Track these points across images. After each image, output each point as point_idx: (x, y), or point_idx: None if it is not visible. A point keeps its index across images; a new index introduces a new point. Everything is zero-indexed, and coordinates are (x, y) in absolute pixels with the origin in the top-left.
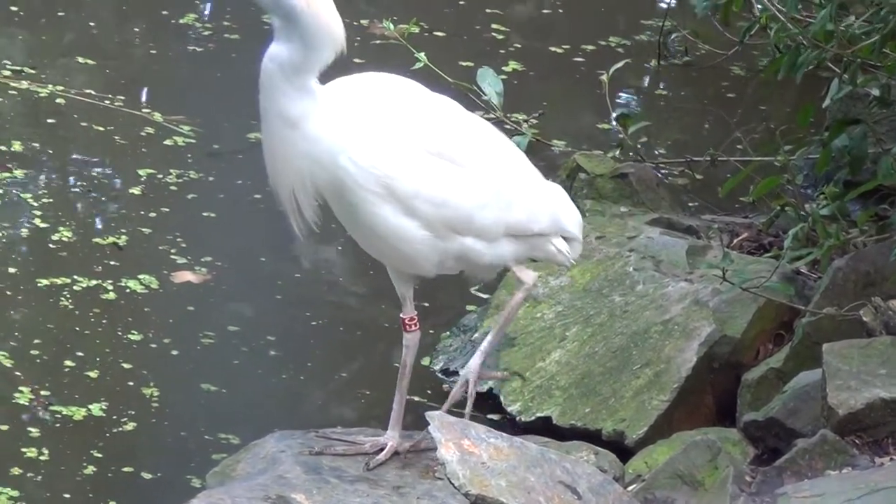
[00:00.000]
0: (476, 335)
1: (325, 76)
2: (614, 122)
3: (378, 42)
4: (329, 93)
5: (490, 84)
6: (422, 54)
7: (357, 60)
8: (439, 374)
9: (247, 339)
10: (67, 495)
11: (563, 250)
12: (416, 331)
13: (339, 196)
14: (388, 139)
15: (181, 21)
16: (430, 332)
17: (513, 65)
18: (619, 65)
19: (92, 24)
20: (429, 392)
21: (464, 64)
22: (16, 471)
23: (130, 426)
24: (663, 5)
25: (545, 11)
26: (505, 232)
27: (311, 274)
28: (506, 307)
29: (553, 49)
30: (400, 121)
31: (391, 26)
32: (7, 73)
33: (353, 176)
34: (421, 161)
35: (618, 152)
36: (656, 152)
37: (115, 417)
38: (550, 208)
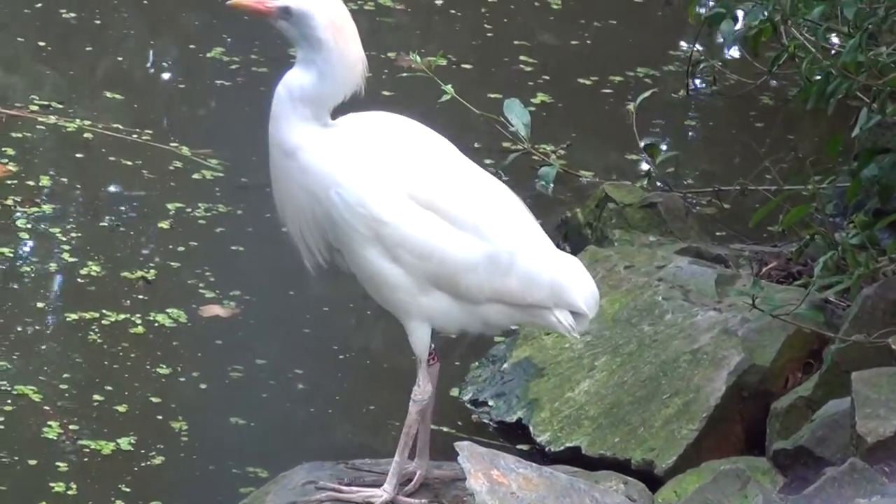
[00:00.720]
0: (505, 365)
1: (347, 110)
2: (643, 152)
3: (405, 75)
4: (332, 128)
5: (517, 115)
6: (449, 86)
7: (385, 93)
8: (468, 405)
9: (275, 373)
10: None
11: (565, 323)
12: (435, 364)
13: (333, 230)
14: (381, 181)
15: (208, 55)
16: (457, 363)
17: (541, 97)
18: (646, 94)
19: (120, 58)
20: (459, 423)
21: (492, 96)
22: None
23: (159, 460)
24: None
25: (573, 43)
26: (493, 298)
27: (339, 308)
28: (406, 426)
29: (581, 81)
30: (397, 165)
31: (418, 59)
32: (35, 107)
33: (342, 212)
34: (410, 209)
35: (646, 182)
36: (685, 182)
37: (143, 451)
38: (554, 280)
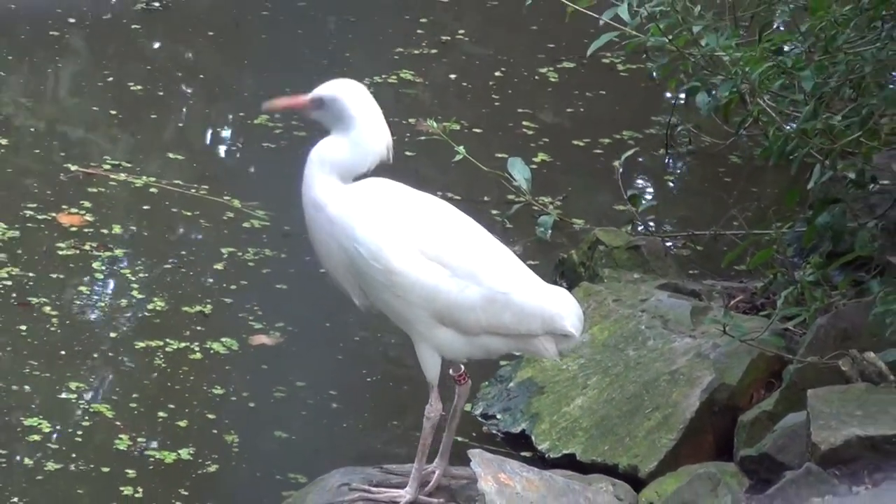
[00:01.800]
0: (510, 384)
1: (376, 169)
2: (627, 202)
3: (424, 138)
4: (351, 189)
5: (519, 171)
6: (461, 147)
7: (408, 153)
8: (479, 418)
9: (312, 393)
10: None
11: (549, 350)
12: (466, 383)
13: (357, 275)
14: (393, 238)
15: (255, 122)
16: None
17: (541, 156)
18: (629, 153)
19: (180, 124)
20: (473, 434)
21: (499, 155)
22: None
23: (213, 468)
24: (671, 102)
25: (569, 110)
26: (490, 331)
27: (368, 337)
28: (422, 438)
29: (576, 142)
30: (406, 223)
31: (434, 124)
32: (107, 166)
33: (360, 263)
34: (418, 261)
35: (629, 227)
36: (664, 227)
37: (200, 461)
38: (543, 311)
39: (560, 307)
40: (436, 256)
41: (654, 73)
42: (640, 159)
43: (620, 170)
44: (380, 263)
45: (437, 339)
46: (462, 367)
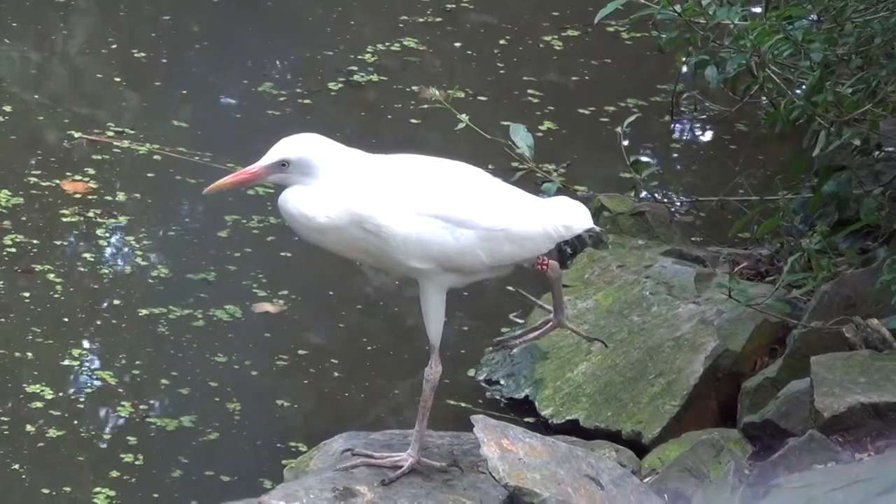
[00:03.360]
0: (514, 350)
1: (385, 139)
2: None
3: (427, 106)
4: (351, 165)
5: (522, 138)
6: (464, 115)
7: (413, 121)
8: (483, 384)
9: (314, 362)
10: (156, 495)
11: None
12: (552, 265)
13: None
14: (387, 202)
15: (259, 89)
16: (461, 351)
17: (547, 124)
18: (632, 118)
19: (184, 91)
20: (480, 401)
21: (504, 123)
22: (114, 473)
23: (214, 436)
24: (677, 70)
25: (574, 78)
26: (494, 266)
27: (370, 306)
28: (422, 401)
29: (581, 111)
30: (397, 187)
31: (437, 92)
32: (111, 133)
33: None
34: (409, 218)
35: (633, 193)
36: (670, 194)
37: (201, 428)
38: (548, 232)
39: (564, 218)
40: (428, 210)
41: (662, 47)
42: (646, 126)
43: (624, 136)
44: (372, 226)
45: (447, 282)
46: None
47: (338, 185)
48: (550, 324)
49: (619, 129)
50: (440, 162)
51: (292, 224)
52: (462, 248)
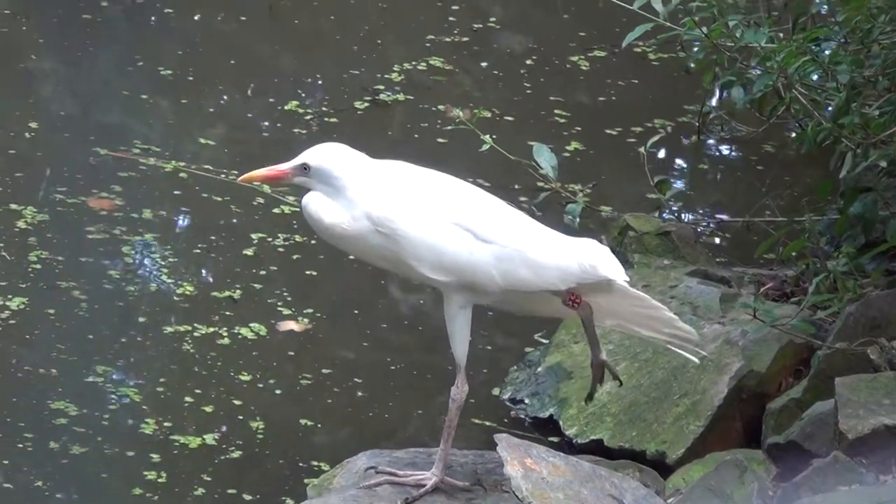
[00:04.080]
0: (539, 369)
1: (406, 156)
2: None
3: (451, 128)
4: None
5: (545, 159)
6: (487, 136)
7: (439, 140)
8: (507, 403)
9: (338, 381)
10: None
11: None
12: (583, 303)
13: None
14: (403, 205)
15: (286, 107)
16: (486, 369)
17: (574, 144)
18: (655, 138)
19: (211, 110)
20: (504, 420)
21: (531, 143)
22: (137, 491)
23: (237, 454)
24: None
25: (601, 99)
26: (508, 289)
27: (395, 325)
28: (447, 420)
29: (608, 131)
30: (417, 194)
31: (461, 113)
32: (137, 150)
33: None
34: (426, 223)
35: (657, 213)
36: (696, 214)
37: (224, 446)
38: (569, 261)
39: (589, 258)
40: (444, 218)
41: (689, 68)
42: (673, 147)
43: (649, 156)
44: (387, 229)
45: (467, 298)
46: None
47: (357, 193)
48: (593, 366)
49: (642, 149)
50: (463, 182)
51: (313, 227)
52: (475, 262)
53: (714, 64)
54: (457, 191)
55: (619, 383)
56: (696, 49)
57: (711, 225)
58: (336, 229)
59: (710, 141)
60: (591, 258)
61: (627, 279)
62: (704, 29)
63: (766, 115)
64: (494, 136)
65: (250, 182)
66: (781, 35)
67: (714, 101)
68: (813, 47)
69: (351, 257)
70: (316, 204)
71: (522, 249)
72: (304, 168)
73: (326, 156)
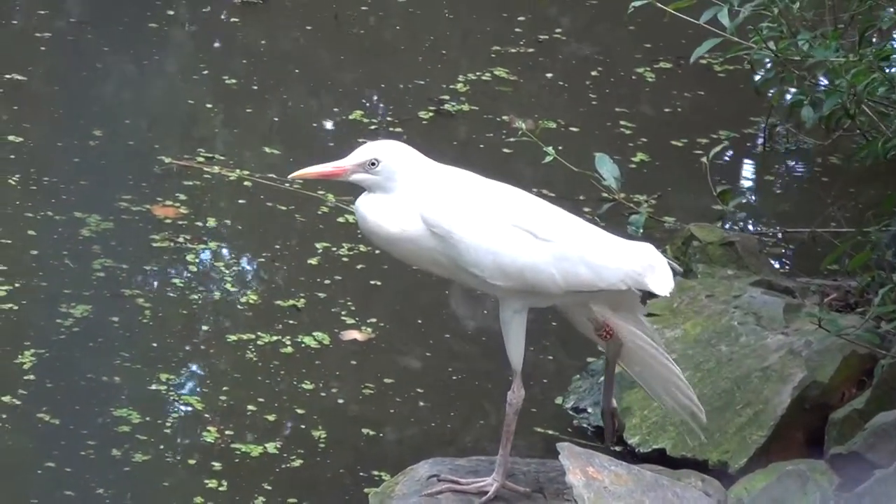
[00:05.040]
0: (602, 378)
1: (471, 166)
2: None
3: (514, 139)
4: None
5: (608, 170)
6: (550, 148)
7: (505, 150)
8: (570, 412)
9: (401, 391)
10: None
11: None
12: (613, 338)
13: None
14: (457, 208)
15: (350, 117)
16: (549, 378)
17: (640, 156)
18: (718, 148)
19: (276, 119)
20: (567, 429)
21: (597, 154)
22: (198, 500)
23: (298, 463)
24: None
25: (666, 110)
26: (569, 290)
27: (458, 335)
28: (505, 425)
29: (674, 142)
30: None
31: (523, 125)
32: (201, 159)
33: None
34: (483, 223)
35: (719, 223)
36: (760, 225)
37: (285, 455)
38: (623, 264)
39: (647, 260)
40: (504, 220)
41: (758, 88)
42: (739, 158)
43: (711, 167)
44: (444, 227)
45: (524, 303)
46: (603, 323)
47: (414, 195)
48: (603, 413)
49: (704, 159)
50: (522, 191)
51: (365, 231)
52: (536, 264)
53: (782, 81)
54: (514, 196)
55: (610, 444)
56: (766, 67)
57: (776, 236)
58: (390, 231)
59: (776, 152)
60: (647, 263)
61: (671, 291)
62: (772, 44)
63: (833, 128)
64: (560, 147)
65: (304, 178)
66: (849, 52)
67: (780, 113)
68: (881, 64)
69: (414, 267)
70: (370, 207)
71: (581, 248)
72: (373, 164)
73: (396, 153)
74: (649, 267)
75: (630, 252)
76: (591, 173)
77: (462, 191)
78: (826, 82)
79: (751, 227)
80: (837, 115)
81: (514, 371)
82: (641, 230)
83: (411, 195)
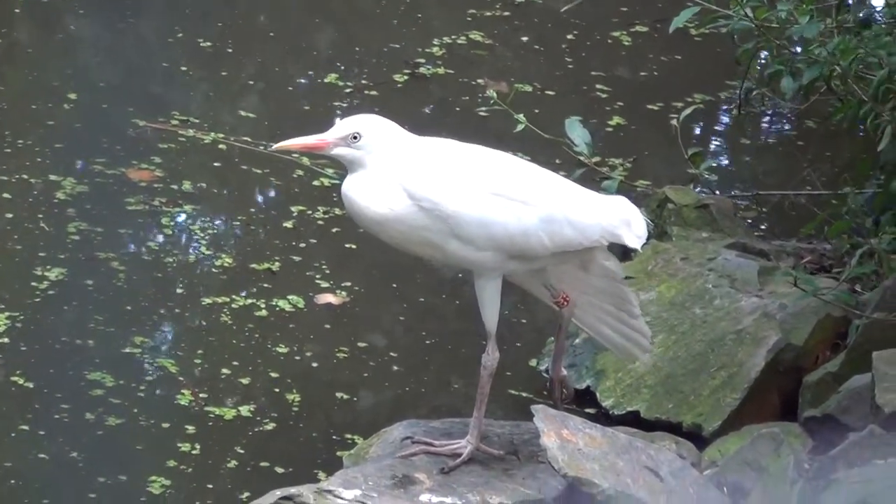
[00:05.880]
0: (577, 340)
1: (447, 130)
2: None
3: (482, 111)
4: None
5: (578, 135)
6: (520, 116)
7: (481, 113)
8: (544, 374)
9: (374, 355)
10: (210, 486)
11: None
12: (568, 303)
13: (428, 242)
14: (444, 182)
15: (326, 80)
16: (524, 341)
17: (616, 119)
18: (688, 111)
19: (250, 82)
20: (544, 393)
21: (575, 118)
22: (171, 463)
23: (271, 426)
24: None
25: (642, 74)
26: (555, 251)
27: (432, 300)
28: (479, 387)
29: (650, 106)
30: (454, 168)
31: (494, 94)
32: (176, 122)
33: (424, 218)
34: (471, 199)
35: (691, 185)
36: (735, 188)
37: (258, 419)
38: (605, 220)
39: (623, 214)
40: (488, 189)
41: (739, 58)
42: (714, 122)
43: (682, 128)
44: (438, 210)
45: (506, 269)
46: (559, 291)
47: (397, 171)
48: (552, 380)
49: (674, 121)
50: (498, 152)
51: (353, 214)
52: (526, 229)
53: (760, 49)
54: (495, 160)
55: (555, 405)
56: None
57: (751, 199)
58: (379, 212)
59: (752, 116)
60: (624, 214)
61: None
62: (749, 11)
63: (810, 93)
64: (536, 111)
65: (286, 150)
66: (825, 17)
67: (753, 74)
68: (863, 32)
69: (405, 251)
70: (358, 189)
71: (565, 208)
72: (355, 138)
73: (378, 127)
74: (626, 221)
75: (608, 207)
76: (563, 139)
77: (445, 162)
78: (801, 49)
79: (726, 191)
80: (814, 79)
81: (488, 333)
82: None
83: (394, 171)
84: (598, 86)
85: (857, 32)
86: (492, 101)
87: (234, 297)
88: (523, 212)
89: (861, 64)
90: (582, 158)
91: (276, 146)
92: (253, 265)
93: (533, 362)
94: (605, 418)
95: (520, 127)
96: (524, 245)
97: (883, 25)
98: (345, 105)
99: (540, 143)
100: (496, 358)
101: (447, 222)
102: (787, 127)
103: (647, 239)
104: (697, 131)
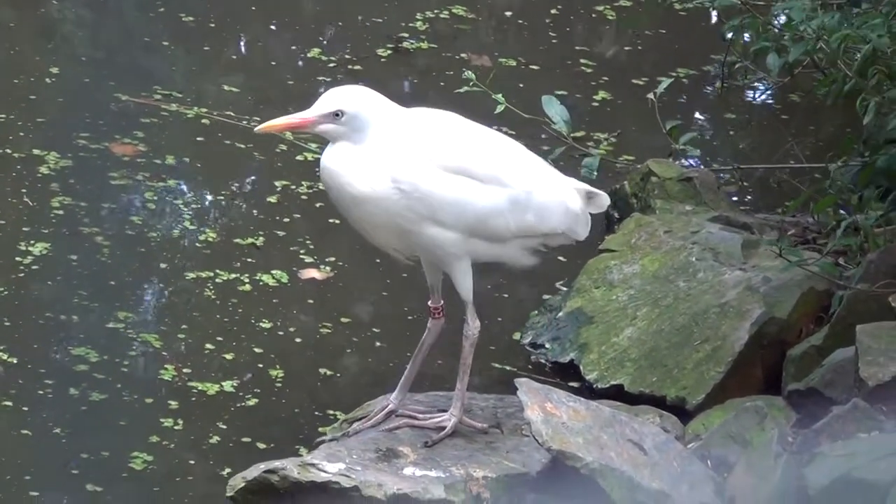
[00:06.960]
0: (560, 314)
1: (430, 103)
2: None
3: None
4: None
5: (556, 112)
6: (500, 96)
7: (465, 88)
8: (527, 347)
9: (357, 331)
10: (192, 462)
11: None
12: (439, 319)
13: (397, 227)
14: (414, 162)
15: (310, 55)
16: (507, 315)
17: (602, 94)
18: (664, 84)
19: (233, 57)
20: (520, 363)
21: (558, 93)
22: (154, 438)
23: (253, 402)
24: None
25: (627, 48)
26: (518, 234)
27: (415, 276)
28: (462, 358)
29: (635, 81)
30: (424, 146)
31: (472, 75)
32: (158, 96)
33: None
34: (441, 178)
35: (671, 159)
36: (719, 162)
37: (241, 394)
38: (566, 209)
39: (577, 208)
40: (457, 168)
41: (725, 36)
42: (698, 96)
43: (661, 103)
44: (418, 192)
45: (469, 253)
46: (441, 301)
47: (380, 147)
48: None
49: (650, 95)
50: (464, 121)
51: (331, 186)
52: (492, 210)
53: (744, 28)
54: (476, 136)
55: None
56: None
57: (734, 172)
58: (361, 191)
59: (736, 89)
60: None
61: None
62: None
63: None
64: (521, 86)
65: (270, 131)
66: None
67: (737, 48)
68: (852, 9)
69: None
70: (339, 161)
71: (529, 191)
72: (337, 115)
73: (360, 101)
74: (579, 218)
75: (568, 199)
76: (543, 118)
77: (425, 139)
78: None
79: (710, 165)
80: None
81: (466, 303)
82: (595, 173)
83: (378, 150)
84: (582, 60)
85: (840, 6)
86: (471, 84)
87: (217, 271)
88: (493, 193)
89: (848, 42)
90: (561, 136)
91: (259, 128)
92: (237, 240)
93: (516, 335)
94: (588, 392)
95: (500, 108)
96: (489, 224)
97: (871, 8)
98: (328, 80)
99: (523, 120)
100: (477, 327)
101: (423, 202)
102: (771, 101)
103: (631, 213)
104: (681, 105)
